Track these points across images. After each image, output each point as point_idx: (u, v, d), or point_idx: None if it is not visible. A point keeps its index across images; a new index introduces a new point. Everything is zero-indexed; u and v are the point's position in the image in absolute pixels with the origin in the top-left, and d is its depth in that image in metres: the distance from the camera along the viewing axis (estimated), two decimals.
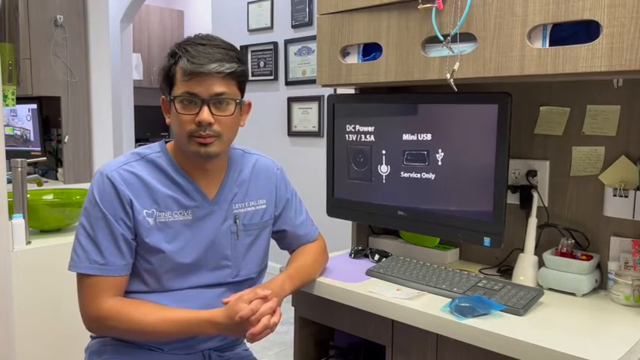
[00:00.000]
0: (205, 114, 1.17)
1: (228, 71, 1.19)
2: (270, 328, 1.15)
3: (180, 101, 1.19)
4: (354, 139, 1.66)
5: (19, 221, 1.83)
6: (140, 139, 5.68)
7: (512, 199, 1.50)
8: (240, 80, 1.24)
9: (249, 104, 1.31)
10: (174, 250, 1.24)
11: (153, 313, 1.18)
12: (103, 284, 1.19)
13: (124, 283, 1.22)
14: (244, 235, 1.34)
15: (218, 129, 1.20)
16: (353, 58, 1.58)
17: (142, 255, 1.23)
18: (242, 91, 1.26)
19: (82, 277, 1.20)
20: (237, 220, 1.32)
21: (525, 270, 1.41)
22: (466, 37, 1.32)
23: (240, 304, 1.14)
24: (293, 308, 1.59)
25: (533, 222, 1.44)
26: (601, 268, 1.40)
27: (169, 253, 1.23)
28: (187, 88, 1.17)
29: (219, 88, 1.18)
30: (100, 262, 1.18)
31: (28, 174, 2.20)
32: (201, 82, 1.17)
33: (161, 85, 1.26)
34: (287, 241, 1.47)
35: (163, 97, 1.26)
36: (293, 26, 3.92)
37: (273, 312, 1.17)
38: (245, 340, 1.23)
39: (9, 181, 1.80)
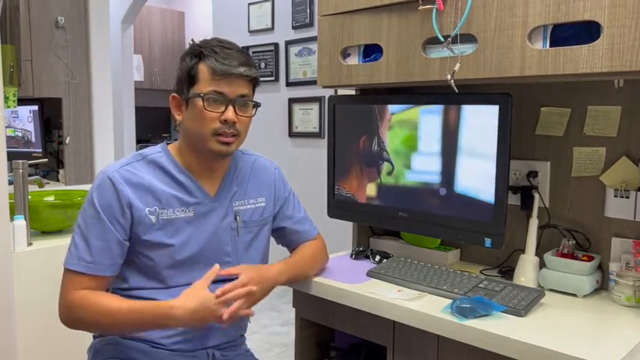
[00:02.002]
0: (231, 113, 1.24)
1: (253, 75, 1.27)
2: (243, 309, 1.19)
3: (207, 99, 1.22)
4: (355, 140, 1.66)
5: (20, 222, 1.83)
6: (141, 140, 5.68)
7: (513, 199, 1.49)
8: (256, 85, 1.32)
9: None
10: (176, 246, 1.26)
11: (118, 302, 1.19)
12: (83, 280, 1.21)
13: (106, 284, 1.25)
14: (244, 232, 1.36)
15: (239, 128, 1.26)
16: (354, 59, 1.58)
17: (142, 252, 1.25)
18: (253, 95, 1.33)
19: (67, 272, 1.22)
20: (238, 217, 1.34)
21: (526, 271, 1.41)
22: (466, 37, 1.32)
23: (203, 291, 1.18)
24: (294, 309, 1.59)
25: (534, 223, 1.43)
26: (602, 268, 1.40)
27: (171, 248, 1.25)
28: (216, 87, 1.23)
29: (244, 89, 1.26)
30: (87, 260, 1.21)
31: (30, 175, 2.20)
32: (231, 83, 1.23)
33: (179, 82, 1.28)
34: (286, 238, 1.49)
35: (174, 94, 1.29)
36: (294, 27, 3.92)
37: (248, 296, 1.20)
38: (222, 326, 1.23)
39: (10, 183, 1.80)
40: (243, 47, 4.00)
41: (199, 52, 1.24)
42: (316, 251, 1.48)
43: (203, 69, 1.23)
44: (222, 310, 1.16)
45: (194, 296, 1.16)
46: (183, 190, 1.28)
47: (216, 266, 1.21)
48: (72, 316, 1.21)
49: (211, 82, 1.23)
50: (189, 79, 1.25)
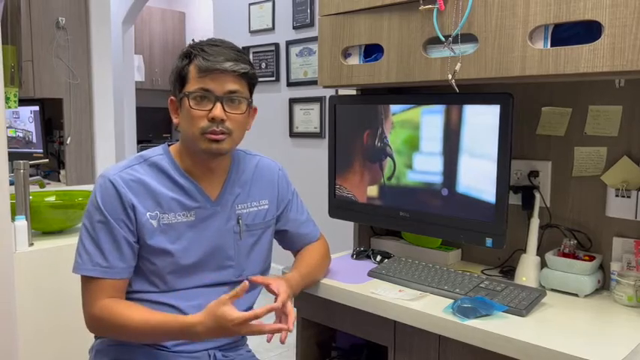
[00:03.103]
0: (218, 110, 1.20)
1: (242, 71, 1.22)
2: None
3: (193, 97, 1.21)
4: (356, 139, 1.66)
5: (21, 223, 1.83)
6: (142, 141, 5.69)
7: (515, 199, 1.49)
8: (251, 82, 1.27)
9: (255, 109, 1.33)
10: (178, 251, 1.25)
11: (138, 315, 1.17)
12: (104, 286, 1.20)
13: (125, 286, 1.23)
14: (247, 236, 1.34)
15: (230, 126, 1.22)
16: (354, 59, 1.58)
17: (146, 257, 1.24)
18: (251, 94, 1.29)
19: (85, 280, 1.21)
20: (240, 221, 1.33)
21: (527, 271, 1.41)
22: (467, 37, 1.32)
23: (223, 308, 1.10)
24: (295, 309, 1.59)
25: (535, 222, 1.43)
26: (603, 268, 1.40)
27: (173, 253, 1.24)
28: (202, 85, 1.20)
29: (233, 85, 1.22)
30: (103, 264, 1.19)
31: (31, 176, 2.20)
32: (216, 79, 1.20)
33: (172, 85, 1.28)
34: (290, 241, 1.48)
35: (172, 97, 1.28)
36: (294, 27, 3.92)
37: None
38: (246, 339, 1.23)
39: (11, 183, 1.80)
40: (243, 47, 4.05)
41: (189, 52, 1.23)
42: (322, 255, 1.47)
43: (192, 69, 1.22)
44: (244, 330, 1.12)
45: (215, 315, 1.10)
46: (184, 194, 1.27)
47: (245, 283, 1.13)
48: (97, 326, 1.21)
49: (198, 80, 1.20)
50: (180, 80, 1.24)
